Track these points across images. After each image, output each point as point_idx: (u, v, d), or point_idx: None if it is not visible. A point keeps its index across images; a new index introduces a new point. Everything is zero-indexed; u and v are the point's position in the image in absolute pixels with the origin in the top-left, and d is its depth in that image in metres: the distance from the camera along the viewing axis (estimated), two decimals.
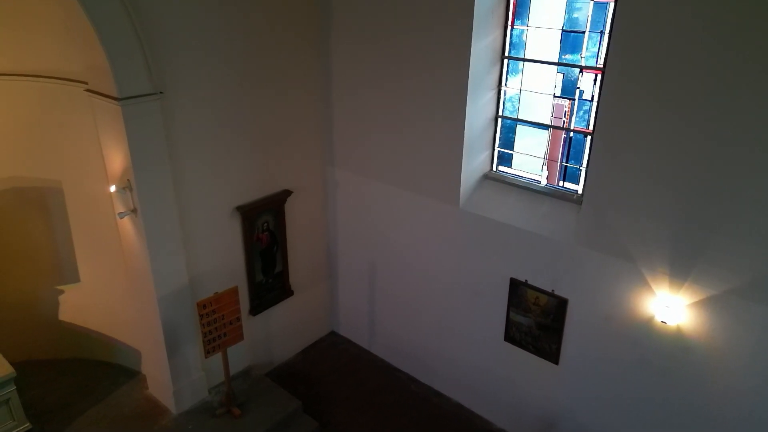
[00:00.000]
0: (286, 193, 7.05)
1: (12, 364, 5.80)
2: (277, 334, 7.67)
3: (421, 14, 5.84)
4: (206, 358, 6.26)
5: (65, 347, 7.34)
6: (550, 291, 5.79)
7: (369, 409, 7.17)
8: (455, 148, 6.02)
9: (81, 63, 5.43)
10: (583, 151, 5.64)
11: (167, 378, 6.45)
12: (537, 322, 6.01)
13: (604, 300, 5.44)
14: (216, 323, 6.11)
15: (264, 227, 6.94)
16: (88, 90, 5.44)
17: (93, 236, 6.68)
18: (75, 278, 7.01)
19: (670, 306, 5.01)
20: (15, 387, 5.80)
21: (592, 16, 5.26)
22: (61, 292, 7.09)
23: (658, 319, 5.11)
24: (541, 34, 5.68)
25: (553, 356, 5.99)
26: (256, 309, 7.19)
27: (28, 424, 5.99)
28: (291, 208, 7.19)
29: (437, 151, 6.23)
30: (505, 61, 5.95)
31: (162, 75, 5.42)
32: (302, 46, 6.70)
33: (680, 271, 4.89)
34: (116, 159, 5.54)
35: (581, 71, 5.48)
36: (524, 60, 5.86)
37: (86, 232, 6.74)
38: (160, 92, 5.41)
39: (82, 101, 5.61)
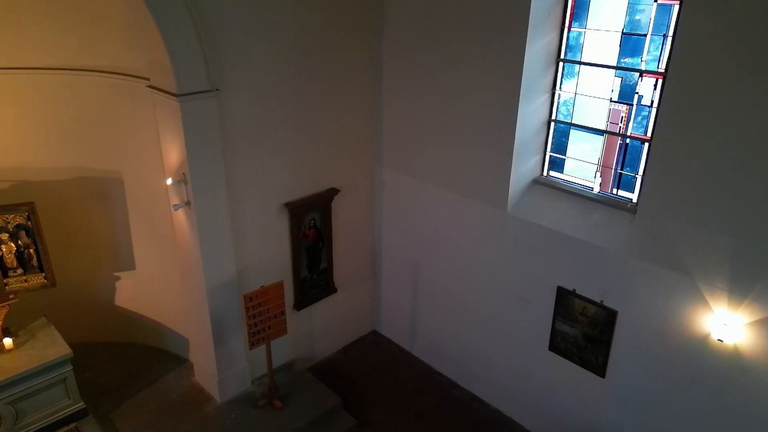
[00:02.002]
0: (334, 192, 7.13)
1: (69, 345, 6.10)
2: (319, 330, 7.76)
3: (475, 15, 5.78)
4: (250, 349, 6.40)
5: (119, 332, 7.67)
6: (599, 302, 5.62)
7: (407, 410, 7.16)
8: (505, 151, 5.93)
9: (144, 60, 5.65)
10: (639, 158, 5.44)
11: (213, 367, 6.64)
12: (584, 332, 5.84)
13: (657, 314, 5.23)
14: (261, 316, 6.24)
15: (311, 224, 7.04)
16: (150, 86, 5.66)
17: (149, 226, 6.95)
18: (131, 266, 7.32)
19: (728, 324, 4.76)
20: (71, 367, 6.10)
21: (654, 18, 5.07)
22: (118, 278, 7.41)
23: (714, 337, 4.87)
24: (599, 36, 5.51)
25: (600, 369, 5.81)
26: (300, 304, 7.31)
27: (81, 404, 6.29)
28: (337, 206, 7.26)
29: (486, 154, 6.15)
30: (561, 63, 5.81)
31: (218, 73, 5.58)
32: (355, 46, 6.76)
33: (740, 288, 4.65)
34: (173, 153, 5.75)
35: (641, 75, 5.29)
36: (581, 63, 5.71)
37: (143, 222, 7.02)
38: (217, 89, 5.57)
39: (144, 97, 5.84)
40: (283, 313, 6.44)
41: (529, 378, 6.58)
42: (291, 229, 6.84)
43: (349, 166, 7.30)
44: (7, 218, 5.93)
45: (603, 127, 5.70)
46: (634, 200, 5.52)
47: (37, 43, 6.08)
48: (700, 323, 4.96)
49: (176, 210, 5.93)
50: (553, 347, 6.17)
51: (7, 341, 5.97)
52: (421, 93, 6.64)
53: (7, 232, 5.97)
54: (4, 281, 6.05)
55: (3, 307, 6.05)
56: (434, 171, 6.83)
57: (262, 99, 6.08)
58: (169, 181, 5.84)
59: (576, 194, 5.90)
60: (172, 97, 5.36)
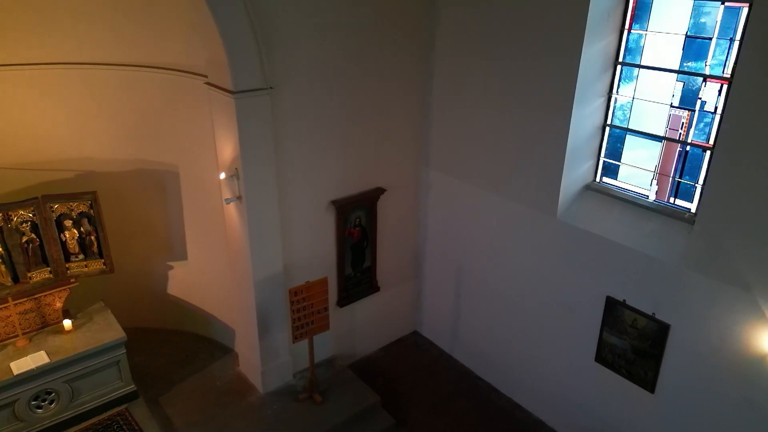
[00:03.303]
0: (380, 191, 7.16)
1: (123, 329, 6.39)
2: (361, 327, 7.82)
3: (530, 17, 5.68)
4: (293, 343, 6.51)
5: (170, 319, 7.96)
6: (651, 314, 5.42)
7: (446, 413, 7.11)
8: (557, 155, 5.80)
9: (202, 58, 5.84)
10: (700, 167, 5.21)
11: (257, 358, 6.80)
12: (633, 345, 5.64)
13: (712, 330, 4.99)
14: (305, 311, 6.34)
15: (356, 222, 7.10)
16: (207, 83, 5.84)
17: (201, 219, 7.18)
18: (183, 256, 7.58)
19: None
20: (125, 350, 6.38)
21: (721, 21, 4.84)
22: (171, 267, 7.69)
23: None
24: (661, 39, 5.31)
25: (649, 384, 5.60)
26: (343, 301, 7.38)
27: (132, 386, 6.57)
28: (383, 205, 7.29)
29: (537, 158, 6.03)
30: (619, 66, 5.64)
31: (273, 71, 5.71)
32: (407, 48, 6.76)
33: None
34: (227, 148, 5.92)
35: (705, 80, 5.06)
36: (640, 66, 5.52)
37: (196, 214, 7.26)
38: (271, 87, 5.70)
39: (202, 93, 6.03)
40: (326, 309, 6.53)
41: (574, 388, 6.41)
42: (337, 227, 6.91)
43: (396, 166, 7.32)
44: (71, 206, 6.25)
45: (662, 133, 5.49)
46: (693, 210, 5.29)
47: (104, 41, 6.38)
48: (760, 342, 4.70)
49: (228, 204, 6.11)
50: (600, 358, 5.99)
51: (67, 323, 6.31)
52: (471, 94, 6.58)
53: (71, 219, 6.30)
54: (66, 265, 6.39)
55: (64, 290, 6.39)
56: (482, 173, 6.76)
57: (314, 97, 6.17)
58: (222, 176, 6.01)
59: (630, 202, 5.71)
60: (228, 94, 5.52)
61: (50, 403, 6.03)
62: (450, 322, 7.94)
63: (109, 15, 6.19)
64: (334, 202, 6.78)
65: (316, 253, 6.87)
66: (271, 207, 6.16)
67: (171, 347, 7.72)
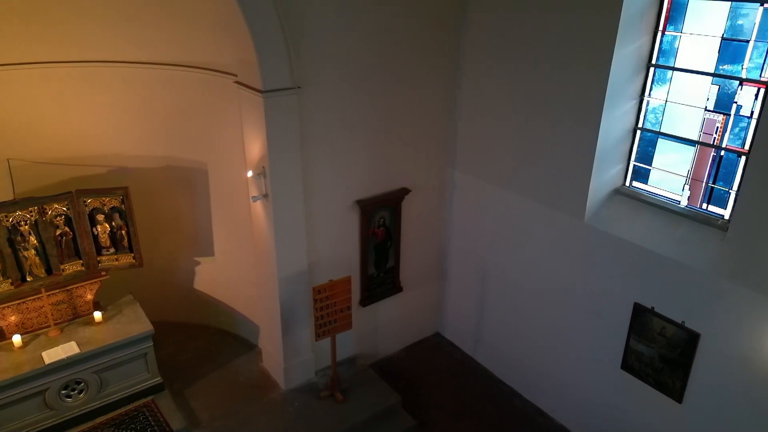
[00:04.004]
0: (405, 191, 7.16)
1: (151, 322, 6.52)
2: (383, 327, 7.83)
3: (561, 16, 5.61)
4: (316, 341, 6.56)
5: (196, 313, 8.09)
6: (680, 322, 5.29)
7: (467, 416, 7.07)
8: (585, 158, 5.71)
9: (232, 57, 5.92)
10: (734, 172, 5.08)
11: (280, 354, 6.86)
12: (661, 354, 5.52)
13: (744, 340, 4.85)
14: (328, 309, 6.37)
15: (380, 222, 7.11)
16: (236, 82, 5.92)
17: (229, 216, 7.29)
18: (210, 252, 7.70)
19: None
20: (152, 343, 6.52)
21: (759, 23, 4.70)
22: (198, 263, 7.82)
23: None
24: (696, 41, 5.19)
25: (677, 393, 5.47)
26: (365, 300, 7.40)
27: (159, 379, 6.70)
28: (408, 206, 7.28)
29: (565, 160, 5.95)
30: (652, 69, 5.52)
31: (301, 71, 5.75)
32: (436, 48, 6.74)
33: None
34: (255, 147, 5.99)
35: (741, 84, 4.93)
36: (674, 69, 5.40)
37: (223, 211, 7.36)
38: (299, 87, 5.75)
39: (231, 92, 6.12)
40: (349, 308, 6.55)
41: (599, 396, 6.31)
42: (361, 226, 6.93)
43: (422, 167, 7.31)
44: (103, 201, 6.41)
45: (695, 138, 5.36)
46: (726, 217, 5.15)
47: (138, 39, 6.51)
48: None
49: (254, 201, 6.18)
50: (626, 366, 5.88)
51: (97, 315, 6.47)
52: (499, 94, 6.53)
53: (103, 214, 6.46)
54: (98, 259, 6.56)
55: (95, 282, 6.55)
56: (509, 175, 6.70)
57: (341, 97, 6.20)
58: (249, 174, 6.08)
59: (661, 207, 5.59)
60: (256, 93, 5.59)
61: (79, 393, 6.19)
62: (473, 324, 7.89)
63: (143, 14, 6.31)
64: (358, 202, 6.80)
65: (340, 252, 6.91)
66: (297, 205, 6.21)
67: (196, 341, 7.85)
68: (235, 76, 5.99)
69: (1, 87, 6.40)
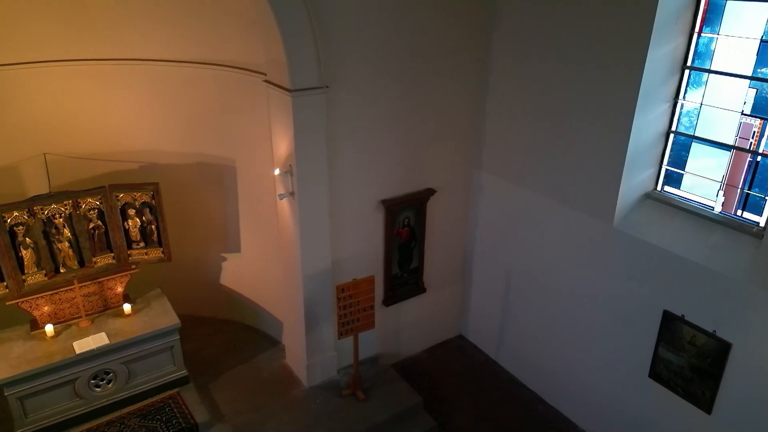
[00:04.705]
0: (430, 192, 7.14)
1: (178, 316, 6.62)
2: (406, 328, 7.81)
3: (594, 17, 5.52)
4: (338, 339, 6.59)
5: (222, 308, 8.21)
6: (711, 331, 5.16)
7: (489, 420, 7.01)
8: (616, 161, 5.61)
9: (262, 56, 5.99)
10: None
11: (303, 352, 6.91)
12: (690, 363, 5.39)
13: None
14: (351, 308, 6.40)
15: (405, 222, 7.10)
16: (266, 81, 5.98)
17: (256, 213, 7.37)
18: (237, 248, 7.79)
19: None
20: (179, 336, 6.63)
21: None
22: (224, 259, 7.93)
23: None
24: (733, 43, 5.05)
25: (706, 404, 5.34)
26: (389, 300, 7.40)
27: (184, 372, 6.82)
28: (433, 206, 7.26)
29: (595, 163, 5.85)
30: (686, 71, 5.40)
31: (329, 70, 5.78)
32: (464, 48, 6.71)
33: None
34: (282, 145, 6.05)
35: None
36: (710, 71, 5.26)
37: (251, 208, 7.45)
38: (326, 86, 5.78)
39: (260, 91, 6.19)
40: (372, 307, 6.56)
41: (624, 404, 6.19)
42: (385, 226, 6.94)
43: (448, 168, 7.28)
44: (135, 196, 6.55)
45: (731, 142, 5.22)
46: (762, 224, 5.00)
47: (169, 39, 6.64)
48: None
49: (281, 199, 6.24)
50: (654, 374, 5.75)
51: (127, 307, 6.61)
52: (527, 95, 6.46)
53: (134, 208, 6.59)
54: (128, 252, 6.70)
55: (125, 275, 6.70)
56: (536, 177, 6.62)
57: (368, 97, 6.22)
58: (276, 172, 6.14)
59: (693, 213, 5.46)
60: (285, 92, 5.64)
61: (108, 383, 6.34)
62: (497, 327, 7.82)
63: (175, 14, 6.43)
64: (383, 202, 6.80)
65: (364, 251, 6.92)
66: (322, 203, 6.25)
67: (221, 336, 7.96)
68: (265, 74, 6.06)
69: (39, 84, 6.59)
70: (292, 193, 6.11)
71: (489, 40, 6.76)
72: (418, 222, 7.22)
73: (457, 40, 6.62)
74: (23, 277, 6.11)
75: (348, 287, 6.31)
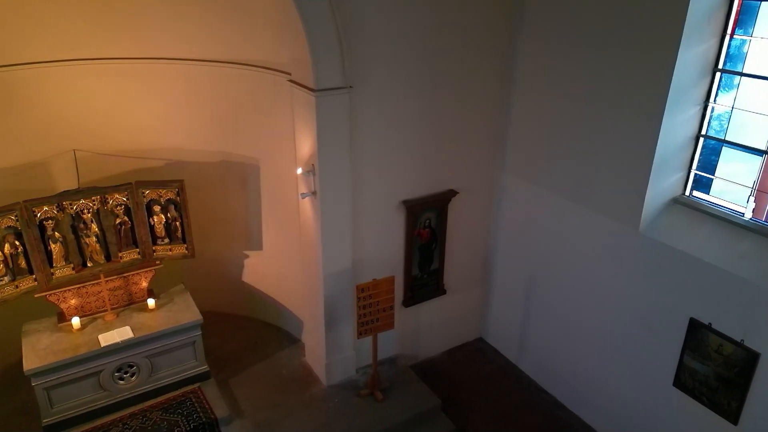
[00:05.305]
0: (452, 193, 7.10)
1: (200, 312, 6.72)
2: (425, 329, 7.79)
3: (622, 17, 5.42)
4: (357, 338, 6.60)
5: (243, 305, 8.29)
6: (739, 341, 5.03)
7: (508, 424, 6.94)
8: (642, 165, 5.51)
9: (287, 56, 6.03)
10: None
11: (322, 350, 6.94)
12: (717, 372, 5.26)
13: None
14: (371, 308, 6.40)
15: (426, 223, 7.08)
16: (290, 80, 6.02)
17: (278, 212, 7.42)
18: (259, 246, 7.86)
19: None
20: (201, 332, 6.72)
21: None
22: (247, 256, 8.01)
23: None
24: (767, 46, 4.91)
25: (732, 415, 5.21)
26: (408, 301, 7.39)
27: (206, 367, 6.91)
28: (454, 208, 7.22)
29: (621, 167, 5.75)
30: (718, 74, 5.27)
31: (352, 70, 5.79)
32: (489, 48, 6.66)
33: None
34: (306, 144, 6.08)
35: None
36: (742, 74, 5.13)
37: (273, 207, 7.51)
38: (350, 86, 5.79)
39: (284, 90, 6.23)
40: (391, 307, 6.56)
41: (648, 412, 6.07)
42: (406, 227, 6.92)
43: (470, 169, 7.23)
44: (160, 192, 6.66)
45: (762, 147, 5.08)
46: None
47: (196, 38, 6.72)
48: None
49: (303, 198, 6.27)
50: (679, 383, 5.63)
51: (151, 302, 6.72)
52: (553, 97, 6.38)
53: (160, 205, 6.70)
54: (153, 248, 6.81)
55: (150, 270, 6.82)
56: (560, 180, 6.54)
57: (391, 97, 6.22)
58: (299, 171, 6.18)
59: (723, 219, 5.33)
60: (309, 91, 5.67)
61: (131, 376, 6.45)
62: (517, 331, 7.75)
63: (202, 14, 6.51)
64: (405, 202, 6.79)
65: (385, 251, 6.92)
66: (344, 203, 6.27)
67: (242, 333, 8.04)
68: (289, 74, 6.10)
69: (69, 82, 6.74)
70: (314, 193, 6.14)
71: (515, 40, 6.70)
72: (440, 223, 7.19)
73: (483, 39, 6.57)
74: (52, 270, 6.26)
75: (368, 287, 6.32)
